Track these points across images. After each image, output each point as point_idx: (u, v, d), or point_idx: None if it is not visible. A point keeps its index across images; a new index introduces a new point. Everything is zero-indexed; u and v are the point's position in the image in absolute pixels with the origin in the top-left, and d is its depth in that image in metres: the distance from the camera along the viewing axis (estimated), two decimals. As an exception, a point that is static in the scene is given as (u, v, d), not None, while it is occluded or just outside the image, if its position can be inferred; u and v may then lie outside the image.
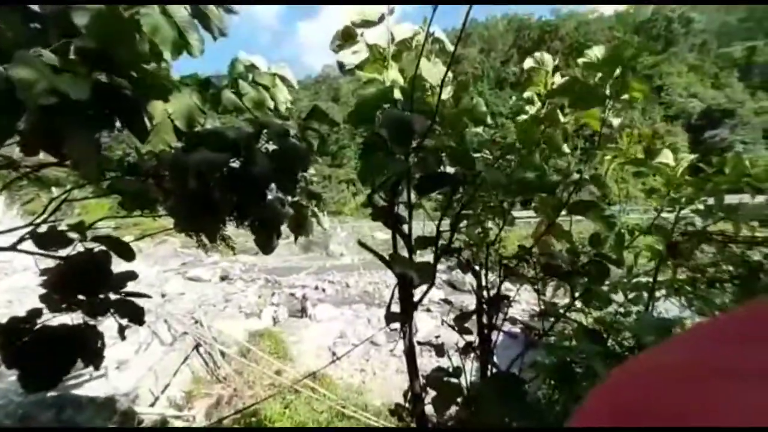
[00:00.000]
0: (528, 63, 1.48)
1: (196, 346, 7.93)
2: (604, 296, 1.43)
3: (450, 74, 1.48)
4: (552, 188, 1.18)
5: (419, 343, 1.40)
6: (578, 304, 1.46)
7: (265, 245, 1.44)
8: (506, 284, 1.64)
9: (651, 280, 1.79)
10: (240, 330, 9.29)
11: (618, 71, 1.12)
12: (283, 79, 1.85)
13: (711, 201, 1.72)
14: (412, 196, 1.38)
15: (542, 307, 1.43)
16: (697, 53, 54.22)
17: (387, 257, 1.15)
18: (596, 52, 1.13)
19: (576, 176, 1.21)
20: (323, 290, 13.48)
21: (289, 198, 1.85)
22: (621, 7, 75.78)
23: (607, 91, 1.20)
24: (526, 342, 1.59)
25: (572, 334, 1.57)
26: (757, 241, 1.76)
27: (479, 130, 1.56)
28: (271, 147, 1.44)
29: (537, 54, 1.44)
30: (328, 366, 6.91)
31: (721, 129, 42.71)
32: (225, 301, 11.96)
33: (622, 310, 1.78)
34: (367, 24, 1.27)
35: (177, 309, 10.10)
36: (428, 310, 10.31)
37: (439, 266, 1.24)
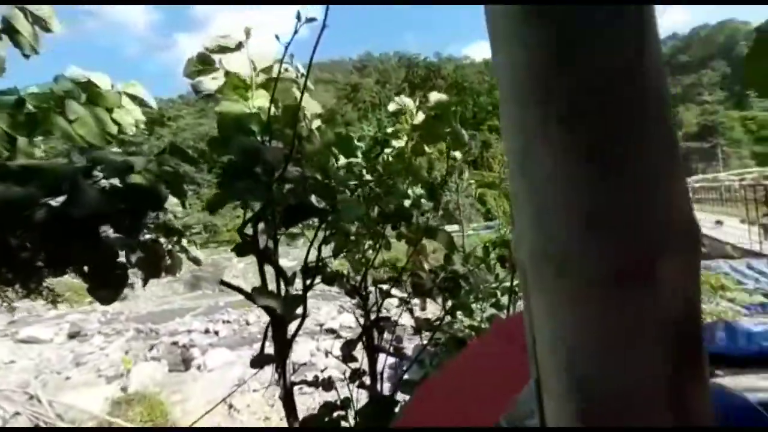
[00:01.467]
0: (392, 106, 1.66)
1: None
2: (468, 306, 1.64)
3: (319, 107, 1.55)
4: (408, 216, 1.32)
5: (297, 383, 1.35)
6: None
7: (101, 295, 1.21)
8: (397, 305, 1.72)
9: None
10: (98, 399, 7.41)
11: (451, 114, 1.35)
12: (134, 98, 1.64)
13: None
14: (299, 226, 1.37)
15: (415, 324, 1.55)
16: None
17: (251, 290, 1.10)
18: (436, 97, 1.34)
19: (428, 204, 1.38)
20: (215, 333, 11.89)
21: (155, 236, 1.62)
22: (489, 55, 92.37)
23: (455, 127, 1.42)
24: (409, 361, 1.68)
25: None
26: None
27: (359, 159, 1.66)
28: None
29: (397, 98, 1.63)
30: (219, 418, 6.02)
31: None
32: (75, 365, 9.45)
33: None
34: (224, 50, 1.25)
35: (3, 383, 7.54)
36: (338, 336, 10.08)
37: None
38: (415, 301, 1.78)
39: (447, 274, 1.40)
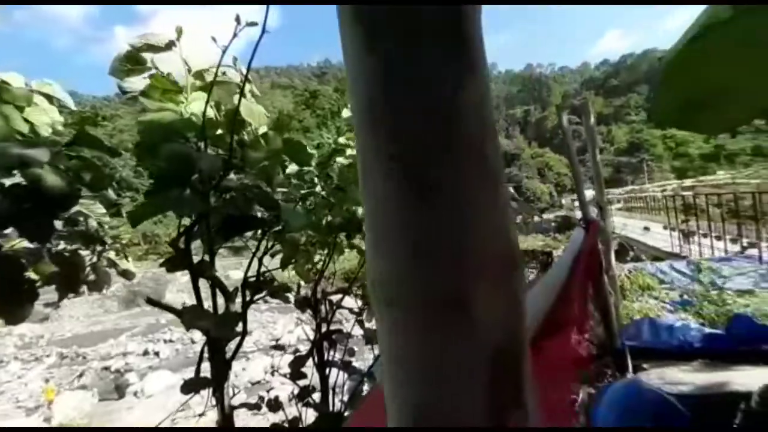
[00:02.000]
0: (346, 113, 1.65)
1: None
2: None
3: (264, 113, 1.49)
4: (358, 227, 1.31)
5: (236, 407, 1.26)
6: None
7: (6, 313, 1.04)
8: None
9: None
10: (11, 438, 6.38)
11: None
12: (49, 98, 1.47)
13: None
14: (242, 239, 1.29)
15: (365, 334, 1.53)
16: (495, 112, 74.11)
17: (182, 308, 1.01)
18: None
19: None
20: (156, 354, 10.88)
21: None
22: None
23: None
24: (361, 374, 1.65)
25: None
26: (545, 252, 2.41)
27: (313, 168, 1.62)
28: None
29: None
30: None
31: (513, 167, 58.84)
32: (-16, 398, 8.16)
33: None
34: (152, 49, 1.16)
35: None
36: (296, 351, 9.69)
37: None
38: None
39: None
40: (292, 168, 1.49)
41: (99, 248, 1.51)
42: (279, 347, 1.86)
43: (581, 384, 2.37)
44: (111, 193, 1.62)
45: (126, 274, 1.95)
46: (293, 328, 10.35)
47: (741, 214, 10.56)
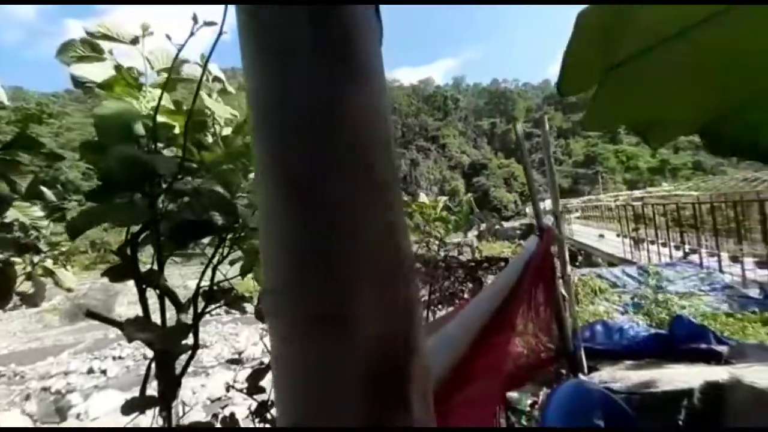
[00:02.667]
0: None
1: None
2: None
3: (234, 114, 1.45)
4: None
5: (185, 428, 1.18)
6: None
7: None
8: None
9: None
10: None
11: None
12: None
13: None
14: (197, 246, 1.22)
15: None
16: (463, 123, 76.52)
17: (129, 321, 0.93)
18: None
19: None
20: (103, 372, 10.02)
21: None
22: (416, 80, 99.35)
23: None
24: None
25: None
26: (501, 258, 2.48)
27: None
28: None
29: None
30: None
31: (481, 177, 60.91)
32: None
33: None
34: (109, 38, 1.09)
35: None
36: (261, 363, 9.28)
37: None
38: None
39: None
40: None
41: (34, 257, 1.38)
42: (236, 361, 1.78)
43: (541, 386, 2.46)
44: (52, 196, 1.49)
45: (63, 285, 1.79)
46: (258, 340, 9.95)
47: (683, 223, 11.55)
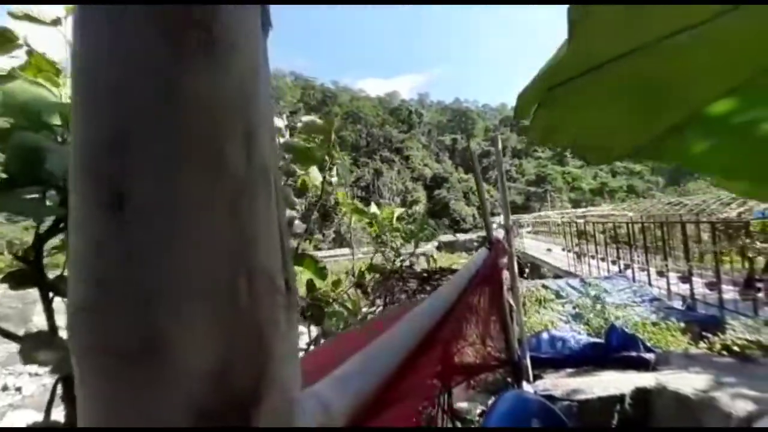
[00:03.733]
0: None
1: None
2: (333, 334, 1.59)
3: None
4: None
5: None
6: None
7: None
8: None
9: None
10: None
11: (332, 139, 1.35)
12: None
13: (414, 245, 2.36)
14: None
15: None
16: (427, 137, 78.97)
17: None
18: (308, 119, 1.32)
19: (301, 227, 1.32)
20: (18, 390, 8.72)
21: None
22: (383, 92, 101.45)
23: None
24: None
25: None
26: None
27: None
28: None
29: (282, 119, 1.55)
30: None
31: (442, 189, 62.95)
32: None
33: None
34: (31, 19, 0.97)
35: None
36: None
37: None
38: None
39: (311, 301, 1.33)
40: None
41: None
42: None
43: (491, 395, 2.51)
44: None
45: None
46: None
47: (619, 240, 12.71)
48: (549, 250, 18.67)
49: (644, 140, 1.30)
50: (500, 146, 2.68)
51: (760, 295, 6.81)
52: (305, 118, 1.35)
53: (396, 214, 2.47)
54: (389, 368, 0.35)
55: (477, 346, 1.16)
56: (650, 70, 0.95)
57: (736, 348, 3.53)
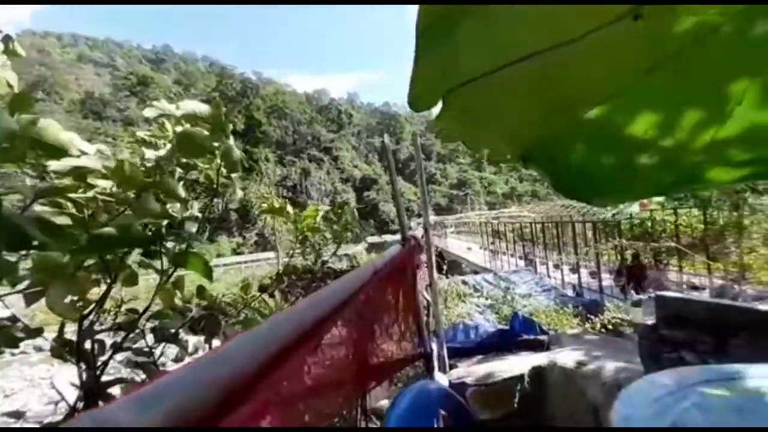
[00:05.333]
0: (150, 111, 1.36)
1: None
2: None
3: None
4: (142, 242, 1.07)
5: None
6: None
7: None
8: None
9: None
10: None
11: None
12: None
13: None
14: None
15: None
16: (357, 138, 79.40)
17: None
18: (194, 105, 1.19)
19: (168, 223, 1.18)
20: None
21: None
22: (311, 90, 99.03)
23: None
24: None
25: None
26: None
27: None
28: None
29: (158, 102, 1.35)
30: None
31: (371, 191, 63.97)
32: None
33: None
34: None
35: None
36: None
37: None
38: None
39: (202, 309, 1.19)
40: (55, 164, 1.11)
41: None
42: (16, 414, 1.29)
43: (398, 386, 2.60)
44: None
45: None
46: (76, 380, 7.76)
47: (525, 238, 14.42)
48: (469, 248, 20.30)
49: (532, 146, 1.47)
50: (420, 149, 2.80)
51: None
52: (186, 104, 1.21)
53: (320, 214, 2.41)
54: (239, 372, 0.31)
55: (390, 343, 1.17)
56: (539, 77, 1.07)
57: (610, 326, 4.28)
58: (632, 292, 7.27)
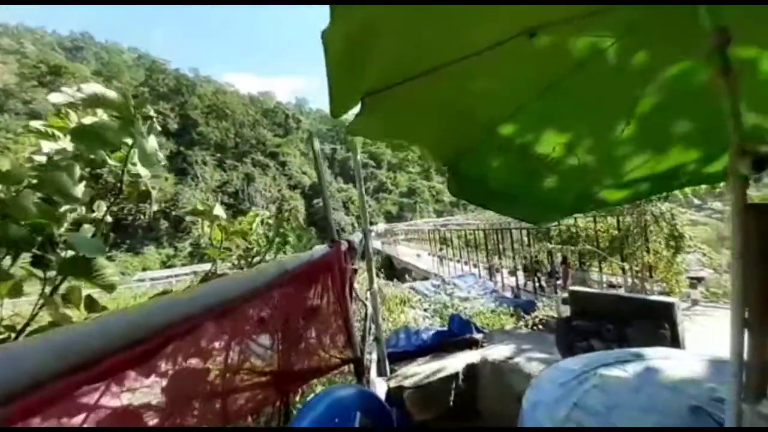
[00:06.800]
0: (57, 96, 1.22)
1: None
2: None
3: None
4: (21, 246, 0.96)
5: None
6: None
7: None
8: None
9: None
10: None
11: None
12: None
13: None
14: None
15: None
16: (305, 145, 77.84)
17: None
18: (95, 88, 1.10)
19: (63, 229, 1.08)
20: None
21: None
22: (255, 91, 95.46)
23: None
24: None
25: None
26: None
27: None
28: None
29: (68, 89, 1.22)
30: None
31: (321, 198, 63.12)
32: None
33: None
34: None
35: None
36: None
37: None
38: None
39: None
40: None
41: None
42: None
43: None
44: None
45: None
46: None
47: (469, 244, 15.22)
48: (418, 255, 20.81)
49: (449, 156, 1.58)
50: (357, 151, 2.86)
51: (559, 282, 9.25)
52: (89, 87, 1.11)
53: (258, 220, 2.33)
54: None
55: (311, 346, 1.17)
56: (450, 88, 1.17)
57: (540, 323, 4.68)
58: (560, 291, 8.02)
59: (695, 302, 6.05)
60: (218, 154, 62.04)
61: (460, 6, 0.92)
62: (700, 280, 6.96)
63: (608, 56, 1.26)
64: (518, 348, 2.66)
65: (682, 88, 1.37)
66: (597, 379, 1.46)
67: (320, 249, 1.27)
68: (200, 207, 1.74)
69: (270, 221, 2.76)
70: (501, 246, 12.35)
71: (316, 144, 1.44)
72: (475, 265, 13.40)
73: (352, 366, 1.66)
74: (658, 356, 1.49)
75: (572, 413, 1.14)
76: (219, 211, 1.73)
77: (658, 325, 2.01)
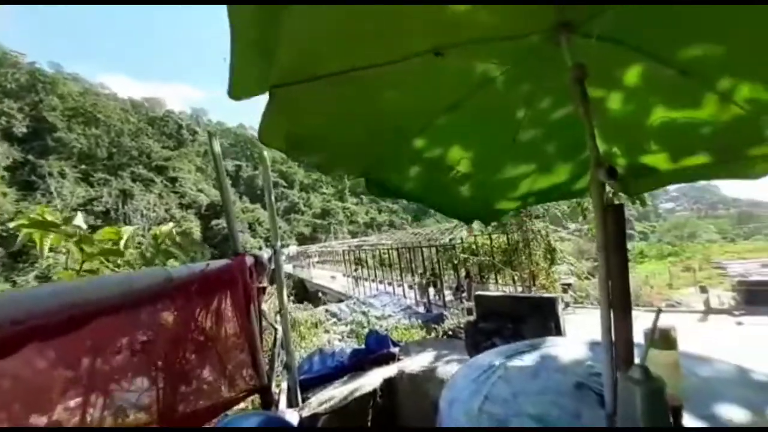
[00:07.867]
0: None
1: None
2: None
3: None
4: None
5: None
6: None
7: None
8: None
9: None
10: None
11: None
12: None
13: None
14: None
15: None
16: (203, 159, 71.06)
17: None
18: None
19: None
20: None
21: None
22: (138, 96, 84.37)
23: None
24: None
25: None
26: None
27: None
28: None
29: None
30: None
31: (222, 219, 57.74)
32: None
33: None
34: None
35: None
36: None
37: None
38: None
39: None
40: None
41: None
42: None
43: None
44: None
45: None
46: None
47: (384, 264, 15.62)
48: (333, 277, 20.44)
49: (368, 164, 1.63)
50: (270, 171, 2.71)
51: (464, 295, 10.09)
52: None
53: (126, 236, 1.98)
54: None
55: (211, 379, 1.02)
56: (361, 97, 1.20)
57: (450, 332, 5.00)
58: (465, 302, 8.76)
59: (567, 305, 7.30)
60: (83, 166, 52.20)
61: (375, 13, 0.95)
62: (569, 285, 8.56)
63: (497, 82, 1.47)
64: (433, 356, 2.77)
65: (554, 117, 1.67)
66: (502, 371, 1.59)
67: (219, 262, 1.14)
68: (48, 217, 1.39)
69: (145, 238, 2.39)
70: (414, 264, 12.96)
71: (216, 145, 1.31)
72: (389, 284, 13.74)
73: (258, 397, 1.50)
74: (547, 345, 1.72)
75: (484, 405, 1.21)
76: (79, 221, 1.40)
77: (546, 318, 2.35)
